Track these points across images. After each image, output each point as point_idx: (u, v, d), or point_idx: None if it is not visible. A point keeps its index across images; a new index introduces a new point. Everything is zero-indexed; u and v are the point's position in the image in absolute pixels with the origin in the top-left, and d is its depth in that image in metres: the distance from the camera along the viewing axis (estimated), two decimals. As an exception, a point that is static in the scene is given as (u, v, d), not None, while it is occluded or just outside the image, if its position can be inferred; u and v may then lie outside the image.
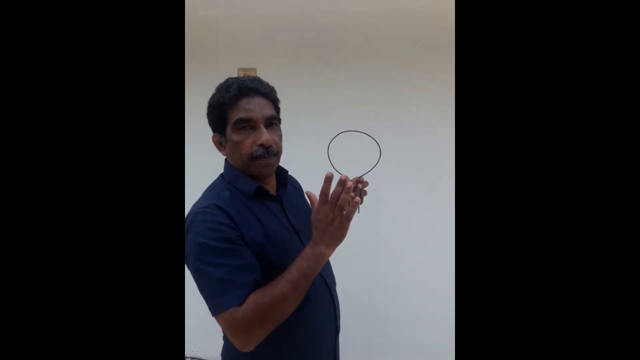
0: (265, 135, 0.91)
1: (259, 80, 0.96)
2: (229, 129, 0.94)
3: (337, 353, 1.08)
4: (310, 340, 0.97)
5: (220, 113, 0.94)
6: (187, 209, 0.93)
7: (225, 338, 0.99)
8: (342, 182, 0.78)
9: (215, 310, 0.83)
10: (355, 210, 0.81)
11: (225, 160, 1.00)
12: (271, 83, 0.99)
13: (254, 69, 2.20)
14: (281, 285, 0.81)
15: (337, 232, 0.81)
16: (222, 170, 1.01)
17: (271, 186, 1.01)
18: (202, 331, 1.91)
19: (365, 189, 1.10)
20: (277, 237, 0.93)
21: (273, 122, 0.95)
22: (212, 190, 0.95)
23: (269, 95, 0.96)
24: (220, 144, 0.98)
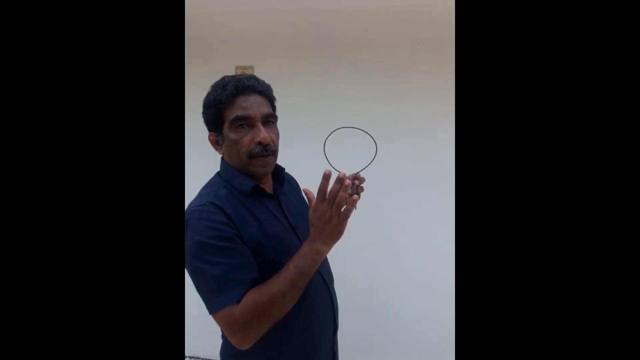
0: (263, 133, 0.91)
1: (255, 78, 0.96)
2: (226, 127, 0.93)
3: (336, 350, 1.08)
4: (309, 338, 0.97)
5: (216, 111, 0.93)
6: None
7: (224, 337, 0.99)
8: (340, 180, 0.78)
9: (212, 308, 0.83)
10: (353, 207, 0.81)
11: (222, 158, 1.00)
12: (269, 81, 0.98)
13: (252, 67, 2.19)
14: (279, 283, 0.81)
15: (334, 230, 0.81)
16: (219, 169, 1.01)
17: (268, 184, 1.01)
18: (201, 330, 1.91)
19: (362, 185, 1.10)
20: (274, 234, 0.93)
21: (270, 120, 0.95)
22: (209, 188, 0.95)
23: (266, 93, 0.96)
24: (216, 143, 0.98)
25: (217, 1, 2.12)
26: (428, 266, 2.12)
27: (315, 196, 0.82)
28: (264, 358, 0.92)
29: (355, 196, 0.80)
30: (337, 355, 1.08)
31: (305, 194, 0.96)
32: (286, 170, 1.09)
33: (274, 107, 0.99)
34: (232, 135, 0.92)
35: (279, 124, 0.99)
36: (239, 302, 0.81)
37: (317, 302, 0.97)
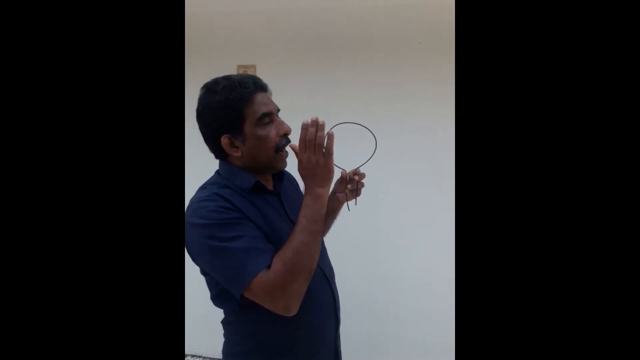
0: (287, 125, 0.95)
1: (256, 76, 0.97)
2: (248, 126, 0.91)
3: (339, 345, 1.08)
4: (312, 332, 0.97)
5: (236, 111, 0.90)
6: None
7: (226, 335, 0.99)
8: (314, 122, 0.84)
9: (244, 281, 0.81)
10: (332, 144, 0.86)
11: (224, 160, 0.99)
12: (270, 80, 0.99)
13: (254, 66, 2.19)
14: (296, 236, 0.85)
15: (324, 170, 0.87)
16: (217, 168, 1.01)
17: (268, 181, 1.02)
18: (202, 329, 1.92)
19: (362, 181, 1.11)
20: (278, 228, 0.93)
21: (278, 114, 0.98)
22: (211, 186, 0.95)
23: (268, 89, 0.98)
24: (232, 145, 0.93)
25: (219, 1, 2.12)
26: (428, 265, 2.11)
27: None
28: (268, 353, 0.93)
29: (331, 131, 0.86)
30: (340, 351, 1.09)
31: (292, 148, 0.98)
32: (286, 168, 1.10)
33: None
34: (261, 132, 0.91)
35: None
36: (268, 267, 0.82)
37: (319, 296, 0.98)
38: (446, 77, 1.99)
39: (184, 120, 0.75)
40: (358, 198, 1.12)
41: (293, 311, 0.83)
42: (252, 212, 0.90)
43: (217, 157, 0.99)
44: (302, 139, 0.86)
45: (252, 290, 0.82)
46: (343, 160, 1.07)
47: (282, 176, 1.06)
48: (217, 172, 1.00)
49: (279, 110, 0.97)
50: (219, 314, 0.99)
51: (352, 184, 1.10)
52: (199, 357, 2.44)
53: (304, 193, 0.90)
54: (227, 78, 0.93)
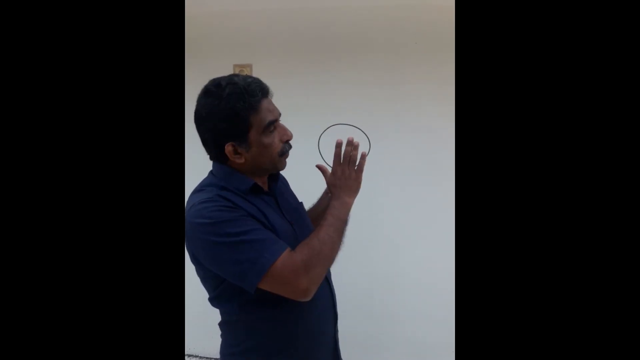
0: (290, 131, 0.97)
1: (259, 79, 0.95)
2: (254, 134, 0.90)
3: (337, 340, 1.09)
4: (311, 327, 0.97)
5: (243, 120, 0.88)
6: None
7: (223, 335, 0.99)
8: (350, 142, 0.96)
9: (263, 267, 0.82)
10: (364, 162, 0.98)
11: (221, 164, 0.97)
12: (267, 80, 0.98)
13: (250, 66, 2.19)
14: (323, 229, 0.90)
15: (354, 183, 0.97)
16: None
17: (263, 182, 1.02)
18: (200, 329, 1.91)
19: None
20: (279, 225, 0.94)
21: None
22: (208, 187, 0.94)
23: (271, 92, 0.97)
24: (235, 152, 0.92)
25: (216, 0, 2.12)
26: (428, 265, 2.12)
27: (332, 163, 0.99)
28: (267, 352, 0.93)
29: (364, 152, 0.97)
30: (339, 345, 1.09)
31: (319, 169, 1.06)
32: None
33: None
34: (266, 140, 0.92)
35: None
36: (289, 251, 0.85)
37: (317, 291, 0.98)
38: (444, 77, 1.99)
39: (184, 119, 0.75)
40: (353, 209, 1.13)
41: (310, 295, 0.85)
42: (253, 212, 0.90)
43: (213, 159, 0.98)
44: (338, 155, 0.98)
45: (271, 274, 0.82)
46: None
47: (277, 177, 1.06)
48: (211, 172, 0.99)
49: (280, 114, 0.96)
50: (216, 313, 0.99)
51: None
52: (196, 356, 2.43)
53: (330, 199, 0.97)
54: (231, 82, 0.88)
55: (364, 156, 0.97)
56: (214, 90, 0.89)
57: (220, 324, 0.99)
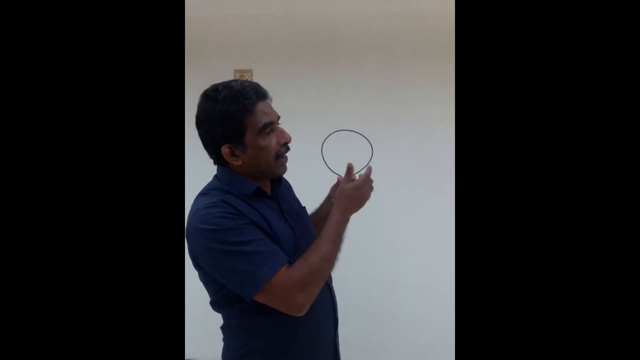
0: (287, 134, 0.96)
1: (257, 83, 0.97)
2: (250, 136, 0.91)
3: (338, 345, 1.09)
4: (312, 332, 0.97)
5: (237, 122, 0.90)
6: (187, 212, 0.92)
7: (225, 339, 0.99)
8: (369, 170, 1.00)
9: (260, 281, 0.83)
10: (370, 173, 0.99)
11: (224, 167, 0.98)
12: (268, 84, 0.99)
13: (250, 70, 2.20)
14: (324, 244, 0.89)
15: (363, 204, 0.98)
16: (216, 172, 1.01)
17: (266, 186, 1.02)
18: (200, 333, 1.91)
19: None
20: (281, 232, 0.94)
21: (278, 121, 0.98)
22: (213, 191, 0.95)
23: (269, 96, 0.98)
24: (232, 155, 0.93)
25: (217, 5, 2.13)
26: (427, 267, 2.12)
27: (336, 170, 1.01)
28: (268, 356, 0.92)
29: (370, 166, 0.99)
30: (339, 350, 1.09)
31: (348, 168, 1.03)
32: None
33: None
34: (262, 142, 0.92)
35: None
36: (289, 265, 0.85)
37: (318, 295, 0.98)
38: (443, 80, 2.01)
39: (184, 123, 0.76)
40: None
41: (304, 310, 0.85)
42: (256, 217, 0.91)
43: (216, 163, 1.00)
44: (368, 176, 0.98)
45: (268, 289, 0.83)
46: (339, 166, 1.08)
47: (279, 181, 1.06)
48: (216, 176, 1.00)
49: (279, 117, 0.97)
50: (216, 318, 0.99)
51: None
52: (196, 361, 2.42)
53: (332, 209, 0.95)
54: (227, 87, 0.91)
55: (369, 169, 0.99)
56: (211, 95, 0.92)
57: (222, 328, 0.99)
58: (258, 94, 0.92)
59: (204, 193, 0.96)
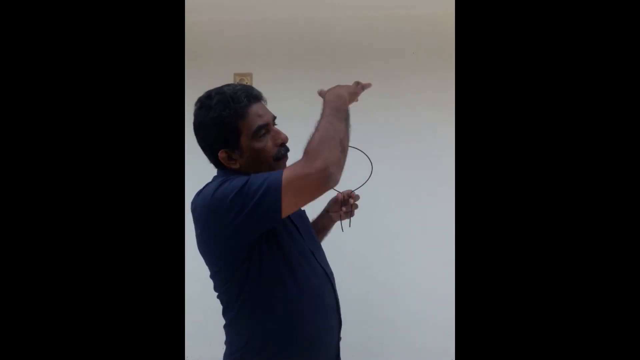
0: (284, 134, 0.96)
1: (251, 86, 0.97)
2: (245, 140, 0.92)
3: (339, 348, 1.08)
4: (318, 331, 0.97)
5: (231, 127, 0.90)
6: (188, 215, 0.93)
7: (227, 342, 0.98)
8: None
9: (278, 176, 0.81)
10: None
11: (224, 168, 0.98)
12: (267, 88, 1.00)
13: (250, 74, 2.20)
14: (321, 121, 0.88)
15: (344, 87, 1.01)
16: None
17: None
18: (199, 336, 1.91)
19: (356, 202, 1.13)
20: (285, 227, 0.95)
21: (274, 121, 0.98)
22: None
23: (263, 97, 0.98)
24: (229, 159, 0.94)
25: (217, 10, 2.14)
26: (427, 270, 2.12)
27: None
28: (272, 351, 0.92)
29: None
30: (339, 351, 1.09)
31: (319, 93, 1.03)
32: None
33: None
34: (258, 145, 0.92)
35: None
36: None
37: (324, 293, 0.99)
38: (442, 85, 2.01)
39: (184, 127, 0.76)
40: (352, 218, 1.14)
41: (333, 175, 0.81)
42: None
43: (216, 167, 1.00)
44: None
45: (287, 179, 0.81)
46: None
47: None
48: (216, 178, 1.00)
49: (275, 118, 0.97)
50: (214, 319, 0.98)
51: (346, 206, 1.12)
52: (195, 364, 2.42)
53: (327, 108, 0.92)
54: (219, 92, 0.92)
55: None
56: (204, 101, 0.93)
57: (225, 327, 0.99)
58: (250, 96, 0.92)
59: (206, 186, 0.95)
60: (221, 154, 0.93)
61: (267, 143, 0.94)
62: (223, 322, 0.99)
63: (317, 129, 0.86)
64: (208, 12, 2.14)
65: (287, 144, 0.98)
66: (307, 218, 1.13)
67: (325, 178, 0.80)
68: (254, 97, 0.94)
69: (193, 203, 0.92)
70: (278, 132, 0.96)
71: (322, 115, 0.90)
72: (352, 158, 1.09)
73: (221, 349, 1.01)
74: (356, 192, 1.12)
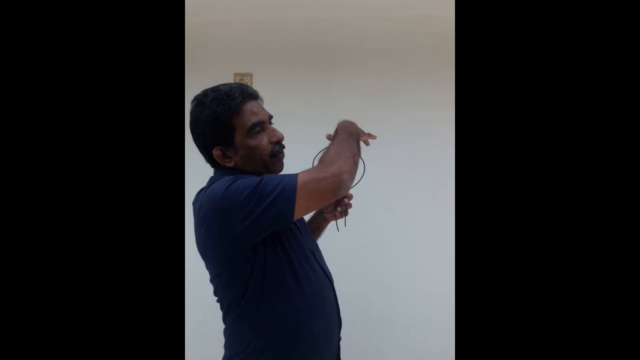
0: (279, 132, 0.96)
1: (246, 85, 0.97)
2: (239, 137, 0.92)
3: (340, 348, 1.08)
4: (320, 333, 0.96)
5: (225, 124, 0.90)
6: (188, 215, 0.93)
7: (227, 345, 0.98)
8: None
9: (293, 179, 0.82)
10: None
11: (220, 168, 0.98)
12: (267, 88, 1.00)
13: (250, 74, 2.20)
14: (331, 144, 0.90)
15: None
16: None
17: None
18: (199, 336, 1.91)
19: (350, 202, 1.13)
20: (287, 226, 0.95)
21: (271, 120, 0.98)
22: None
23: (259, 95, 0.98)
24: (224, 156, 0.94)
25: (216, 10, 2.14)
26: (427, 271, 2.12)
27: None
28: (274, 352, 0.91)
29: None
30: (340, 351, 1.09)
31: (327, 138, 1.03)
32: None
33: None
34: (252, 142, 0.92)
35: None
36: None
37: (325, 293, 0.99)
38: (442, 85, 2.02)
39: (184, 126, 0.77)
40: (347, 217, 1.15)
41: (345, 181, 0.82)
42: None
43: (212, 166, 1.00)
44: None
45: (301, 182, 0.81)
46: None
47: None
48: (213, 179, 1.00)
49: (271, 117, 0.97)
50: (214, 319, 0.98)
51: (341, 206, 1.12)
52: (195, 365, 2.42)
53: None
54: (215, 90, 0.92)
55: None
56: (200, 99, 0.93)
57: (225, 329, 0.98)
58: (244, 94, 0.92)
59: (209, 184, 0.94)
60: (215, 152, 0.93)
61: (262, 141, 0.93)
62: (215, 322, 0.98)
63: (331, 144, 0.90)
64: (208, 12, 2.14)
65: (286, 144, 0.98)
66: (303, 218, 1.13)
67: (339, 182, 0.82)
68: (249, 94, 0.93)
69: (198, 201, 0.91)
70: (274, 130, 0.96)
71: (336, 134, 0.95)
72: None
73: (221, 349, 1.01)
74: (349, 191, 1.12)
